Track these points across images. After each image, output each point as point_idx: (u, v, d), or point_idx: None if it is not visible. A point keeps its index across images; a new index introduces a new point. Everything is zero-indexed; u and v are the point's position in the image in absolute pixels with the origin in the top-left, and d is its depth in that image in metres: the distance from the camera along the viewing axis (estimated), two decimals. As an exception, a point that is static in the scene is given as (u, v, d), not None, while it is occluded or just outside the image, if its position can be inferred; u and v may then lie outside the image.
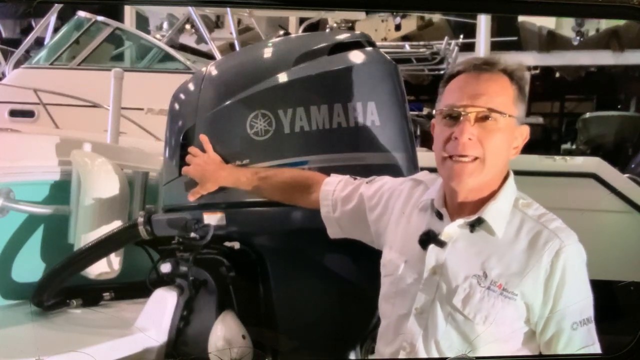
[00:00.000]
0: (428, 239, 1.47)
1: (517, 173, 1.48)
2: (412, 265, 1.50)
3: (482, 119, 1.39)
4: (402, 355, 1.49)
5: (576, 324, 1.37)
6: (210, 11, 7.91)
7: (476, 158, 1.39)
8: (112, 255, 2.31)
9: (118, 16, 7.76)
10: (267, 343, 2.03)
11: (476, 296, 1.39)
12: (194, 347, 1.99)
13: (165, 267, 2.06)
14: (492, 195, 1.44)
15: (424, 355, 1.44)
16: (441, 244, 1.45)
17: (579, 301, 1.39)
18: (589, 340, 1.38)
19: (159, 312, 2.04)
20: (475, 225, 1.43)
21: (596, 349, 1.39)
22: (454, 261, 1.43)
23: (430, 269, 1.46)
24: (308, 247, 2.01)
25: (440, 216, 1.49)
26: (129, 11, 8.69)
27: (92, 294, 2.41)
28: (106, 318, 2.31)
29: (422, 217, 1.53)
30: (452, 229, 1.45)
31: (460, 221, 1.44)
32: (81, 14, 6.58)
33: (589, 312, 1.39)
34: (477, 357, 1.40)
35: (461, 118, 1.38)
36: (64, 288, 2.32)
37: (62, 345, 1.90)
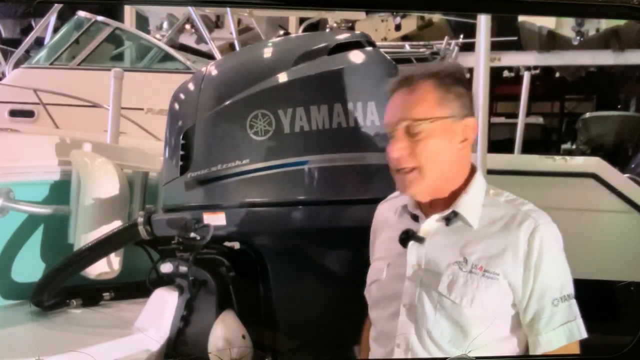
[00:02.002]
0: (407, 237, 1.52)
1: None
2: (395, 265, 1.55)
3: (409, 131, 1.46)
4: (397, 354, 1.51)
5: (557, 300, 1.41)
6: (210, 11, 7.92)
7: (414, 168, 1.46)
8: (112, 255, 2.31)
9: (118, 16, 7.76)
10: (267, 343, 2.04)
11: (460, 280, 1.44)
12: (194, 347, 2.00)
13: (165, 267, 2.06)
14: (462, 188, 1.50)
15: (419, 349, 1.47)
16: (420, 240, 1.51)
17: (558, 278, 1.42)
18: (570, 316, 1.41)
19: (159, 312, 2.04)
20: (451, 218, 1.48)
21: (579, 324, 1.41)
22: (434, 254, 1.49)
23: (412, 265, 1.52)
24: (308, 247, 2.01)
25: (415, 218, 1.55)
26: (129, 11, 8.69)
27: (92, 294, 2.41)
28: (106, 318, 2.31)
29: (400, 222, 1.58)
30: (429, 225, 1.51)
31: (435, 216, 1.50)
32: (81, 14, 6.58)
33: (569, 289, 1.43)
34: (477, 357, 1.41)
35: (392, 134, 1.48)
36: (64, 288, 2.32)
37: (62, 345, 1.90)
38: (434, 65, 1.55)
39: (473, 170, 1.52)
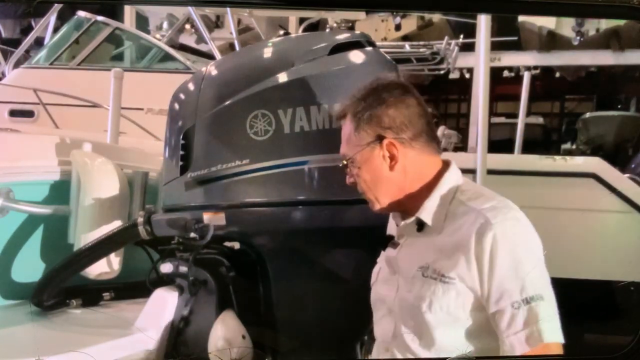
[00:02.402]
0: (387, 241, 1.59)
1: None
2: (383, 269, 1.60)
3: (349, 164, 1.54)
4: (383, 354, 1.55)
5: (517, 303, 1.35)
6: (210, 11, 7.91)
7: (365, 193, 1.54)
8: (112, 255, 2.31)
9: (118, 16, 7.76)
10: (267, 343, 2.04)
11: (417, 285, 1.45)
12: (194, 347, 2.00)
13: (165, 267, 2.06)
14: (427, 195, 1.51)
15: (397, 353, 1.49)
16: (395, 245, 1.55)
17: (516, 278, 1.36)
18: (532, 320, 1.34)
19: (159, 312, 2.05)
20: (421, 224, 1.50)
21: (541, 328, 1.33)
22: (405, 259, 1.52)
23: (388, 270, 1.56)
24: (308, 247, 2.01)
25: (399, 224, 1.59)
26: (129, 11, 8.68)
27: (92, 294, 2.41)
28: (106, 318, 2.31)
29: (390, 230, 1.64)
30: (400, 231, 1.56)
31: (403, 223, 1.54)
32: (81, 14, 6.57)
33: (533, 290, 1.35)
34: (477, 357, 1.41)
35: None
36: (64, 288, 2.32)
37: (62, 345, 1.90)
38: (354, 93, 1.55)
39: (441, 174, 1.52)
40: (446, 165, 1.54)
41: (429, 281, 1.43)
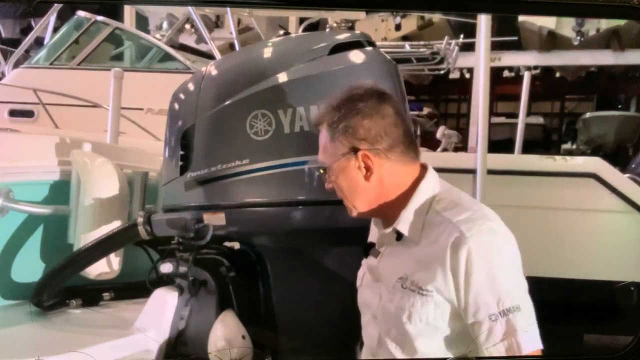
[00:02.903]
0: (368, 249, 1.59)
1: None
2: (366, 274, 1.61)
3: (327, 170, 1.55)
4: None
5: (494, 315, 1.35)
6: (210, 11, 7.91)
7: (343, 199, 1.55)
8: (112, 255, 2.31)
9: (118, 16, 7.76)
10: (267, 343, 2.03)
11: (398, 296, 1.45)
12: (194, 347, 1.99)
13: (165, 267, 2.06)
14: (405, 203, 1.50)
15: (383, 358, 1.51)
16: (375, 253, 1.56)
17: (493, 291, 1.36)
18: (510, 331, 1.34)
19: (159, 312, 2.04)
20: (399, 234, 1.50)
21: (519, 340, 1.33)
22: (385, 268, 1.53)
23: (371, 277, 1.57)
24: (308, 247, 2.01)
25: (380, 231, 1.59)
26: (128, 11, 8.68)
27: (92, 294, 2.41)
28: (106, 318, 2.31)
29: (372, 237, 1.64)
30: (380, 239, 1.56)
31: (381, 232, 1.55)
32: (81, 13, 6.57)
33: (510, 301, 1.35)
34: (477, 357, 1.41)
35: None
36: (64, 288, 2.32)
37: (62, 345, 1.90)
38: (331, 100, 1.54)
39: (417, 183, 1.50)
40: (423, 171, 1.52)
41: (408, 293, 1.43)
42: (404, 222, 1.48)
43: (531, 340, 1.35)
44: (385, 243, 1.54)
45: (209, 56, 6.70)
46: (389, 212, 1.52)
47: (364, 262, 1.62)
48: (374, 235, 1.62)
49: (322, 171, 1.57)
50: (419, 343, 1.43)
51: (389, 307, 1.48)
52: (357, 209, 1.53)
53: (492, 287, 1.36)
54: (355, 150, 1.48)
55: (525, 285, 1.40)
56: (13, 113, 5.84)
